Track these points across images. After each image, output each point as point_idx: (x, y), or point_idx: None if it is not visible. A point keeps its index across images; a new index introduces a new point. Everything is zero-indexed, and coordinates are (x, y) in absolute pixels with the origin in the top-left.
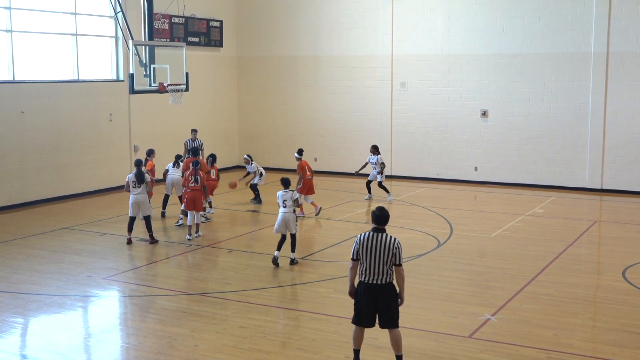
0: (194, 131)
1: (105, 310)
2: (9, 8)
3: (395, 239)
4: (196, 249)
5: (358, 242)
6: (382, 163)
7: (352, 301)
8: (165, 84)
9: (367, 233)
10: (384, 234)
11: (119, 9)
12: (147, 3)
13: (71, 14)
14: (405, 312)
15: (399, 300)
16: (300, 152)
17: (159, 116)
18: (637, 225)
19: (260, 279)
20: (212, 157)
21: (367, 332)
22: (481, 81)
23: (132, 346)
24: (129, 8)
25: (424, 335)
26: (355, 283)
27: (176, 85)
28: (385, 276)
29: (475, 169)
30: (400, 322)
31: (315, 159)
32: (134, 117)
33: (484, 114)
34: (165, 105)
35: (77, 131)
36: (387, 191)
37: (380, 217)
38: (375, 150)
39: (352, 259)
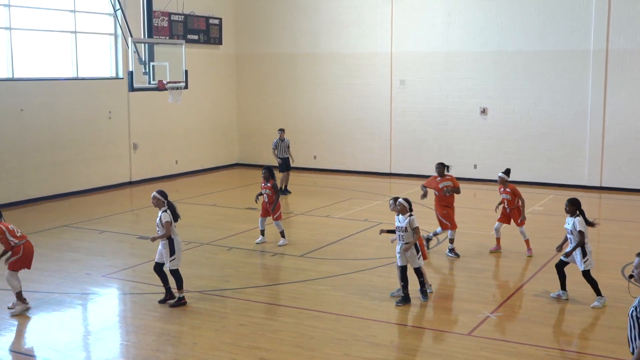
0: (281, 130)
1: (104, 307)
2: (8, 5)
3: None
4: (195, 247)
5: None
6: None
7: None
8: (164, 82)
9: None
10: None
11: (118, 7)
12: (147, 0)
13: (70, 11)
14: (404, 310)
15: None
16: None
17: (158, 114)
18: (636, 222)
19: (259, 276)
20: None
21: (366, 330)
22: (480, 78)
23: (132, 343)
24: (128, 6)
25: (423, 332)
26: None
27: (175, 82)
28: None
29: (475, 166)
30: (400, 320)
31: (315, 157)
32: (133, 114)
33: (483, 111)
34: (164, 103)
35: (76, 129)
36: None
37: None
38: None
39: None
